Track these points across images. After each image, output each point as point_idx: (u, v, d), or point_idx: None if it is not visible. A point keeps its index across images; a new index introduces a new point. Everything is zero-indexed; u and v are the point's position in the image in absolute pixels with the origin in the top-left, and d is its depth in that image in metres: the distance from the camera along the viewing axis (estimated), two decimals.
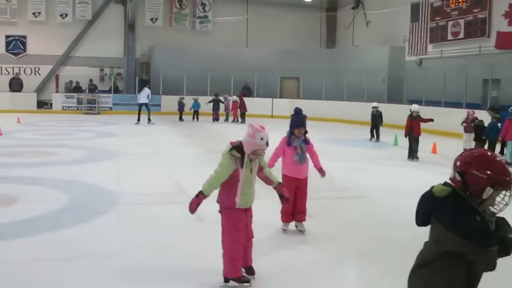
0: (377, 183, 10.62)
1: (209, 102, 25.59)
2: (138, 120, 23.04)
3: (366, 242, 6.62)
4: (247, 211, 5.00)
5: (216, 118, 25.60)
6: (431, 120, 14.17)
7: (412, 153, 13.67)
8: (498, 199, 2.76)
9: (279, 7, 32.50)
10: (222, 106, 25.92)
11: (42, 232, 6.61)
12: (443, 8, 24.35)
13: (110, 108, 28.85)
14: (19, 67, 30.04)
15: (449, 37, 24.05)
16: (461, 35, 23.33)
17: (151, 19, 31.62)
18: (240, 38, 32.13)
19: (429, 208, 2.83)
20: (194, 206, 4.72)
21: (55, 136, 17.65)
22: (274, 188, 5.16)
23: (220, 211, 4.92)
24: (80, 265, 5.53)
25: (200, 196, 4.70)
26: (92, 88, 29.75)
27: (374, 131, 18.28)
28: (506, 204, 2.74)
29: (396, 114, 21.75)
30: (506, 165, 2.80)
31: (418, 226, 2.92)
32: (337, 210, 8.46)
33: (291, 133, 6.69)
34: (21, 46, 30.11)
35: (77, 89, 29.67)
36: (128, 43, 31.10)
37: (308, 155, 6.78)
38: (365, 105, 25.69)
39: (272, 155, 6.74)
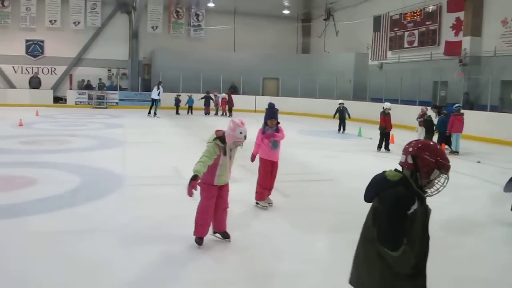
0: (343, 168, 10.71)
1: (201, 98, 25.59)
2: (149, 113, 23.08)
3: (333, 217, 6.70)
4: (223, 187, 5.28)
5: (207, 112, 25.56)
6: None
7: (381, 145, 13.42)
8: (441, 181, 2.82)
9: (262, 18, 32.41)
10: (212, 102, 25.89)
11: (58, 209, 6.60)
12: (400, 20, 24.46)
13: (117, 103, 28.60)
14: (38, 68, 29.63)
15: (406, 45, 24.17)
16: (416, 44, 23.48)
17: (152, 27, 31.41)
18: (228, 43, 32.05)
19: (379, 188, 2.84)
20: (193, 188, 4.69)
21: (69, 127, 17.50)
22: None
23: (199, 186, 5.05)
24: (91, 236, 5.54)
25: (196, 179, 4.74)
26: (101, 86, 29.49)
27: (342, 124, 18.27)
28: (444, 186, 2.81)
29: (360, 109, 22.00)
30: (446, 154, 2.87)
31: (366, 202, 2.94)
32: (309, 190, 8.54)
33: (265, 124, 6.89)
34: (39, 49, 29.68)
35: (88, 86, 29.37)
36: (132, 47, 30.85)
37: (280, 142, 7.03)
38: (334, 102, 25.75)
39: (255, 146, 6.96)
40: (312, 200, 7.75)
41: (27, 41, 29.43)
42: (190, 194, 4.67)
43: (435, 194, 2.85)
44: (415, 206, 2.71)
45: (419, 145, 2.85)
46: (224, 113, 25.52)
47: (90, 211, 6.59)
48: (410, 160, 2.82)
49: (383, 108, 13.97)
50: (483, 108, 17.91)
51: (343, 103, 18.55)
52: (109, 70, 31.18)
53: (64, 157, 10.69)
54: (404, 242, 2.67)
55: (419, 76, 21.12)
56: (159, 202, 7.16)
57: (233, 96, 26.04)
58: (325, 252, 5.52)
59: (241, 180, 8.26)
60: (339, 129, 18.27)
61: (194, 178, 4.72)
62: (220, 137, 5.05)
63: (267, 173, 6.91)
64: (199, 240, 5.26)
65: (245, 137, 5.02)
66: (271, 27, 32.70)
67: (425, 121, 13.78)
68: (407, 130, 17.36)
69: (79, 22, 29.88)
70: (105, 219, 6.23)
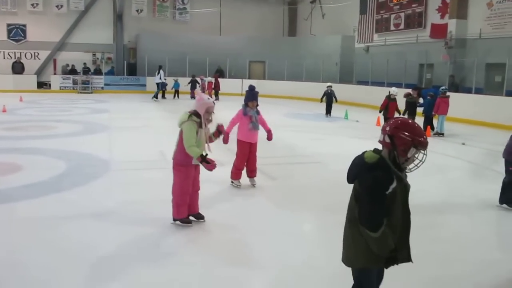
0: (330, 150, 10.76)
1: (188, 83, 25.32)
2: (155, 97, 23.74)
3: (321, 199, 6.76)
4: (197, 167, 5.30)
5: (193, 96, 25.29)
6: (399, 113, 13.44)
7: None
8: (419, 157, 2.90)
9: (248, 1, 32.12)
10: (198, 85, 25.67)
11: (45, 195, 6.57)
12: (387, 3, 24.44)
13: (102, 88, 28.25)
14: (20, 52, 29.10)
15: (392, 27, 24.19)
16: (402, 26, 23.51)
17: (137, 10, 30.96)
18: (214, 27, 31.71)
19: (358, 171, 2.93)
20: (212, 163, 4.95)
21: (54, 112, 17.30)
22: (214, 134, 5.38)
23: (173, 167, 5.18)
24: (78, 221, 5.53)
25: (204, 158, 4.94)
26: (86, 70, 29.11)
27: (329, 108, 18.07)
28: (423, 162, 2.89)
29: (346, 92, 22.03)
30: (423, 130, 2.95)
31: (349, 183, 3.03)
32: (296, 173, 8.58)
33: (246, 105, 7.02)
34: (22, 34, 29.12)
35: (73, 71, 28.98)
36: (117, 31, 30.48)
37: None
38: (321, 85, 25.79)
39: (230, 123, 7.04)
40: (298, 182, 7.80)
41: (8, 25, 28.85)
42: (213, 167, 4.95)
43: (414, 170, 2.93)
44: (393, 185, 2.81)
45: (396, 124, 2.92)
46: (210, 97, 25.30)
47: (76, 197, 6.56)
48: (387, 139, 2.90)
49: (389, 92, 13.73)
50: (468, 90, 18.06)
51: (331, 86, 18.26)
52: (94, 55, 30.78)
53: (49, 143, 10.59)
54: (384, 223, 2.80)
55: (405, 59, 21.22)
56: (146, 186, 7.15)
57: (220, 80, 25.92)
58: (313, 232, 5.57)
59: (227, 164, 8.27)
60: (327, 113, 18.11)
61: (204, 158, 4.92)
62: (194, 113, 5.11)
63: (244, 155, 7.06)
64: (186, 219, 5.33)
65: (213, 102, 5.17)
66: (257, 10, 32.48)
67: (407, 102, 13.84)
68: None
69: (62, 6, 29.31)
70: (92, 204, 6.20)
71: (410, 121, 2.98)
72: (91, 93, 27.43)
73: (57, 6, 29.21)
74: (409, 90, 14.88)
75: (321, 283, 4.10)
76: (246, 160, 7.11)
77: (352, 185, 3.02)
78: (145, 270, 4.28)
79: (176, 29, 31.61)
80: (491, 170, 8.69)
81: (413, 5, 22.58)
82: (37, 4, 28.89)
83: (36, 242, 4.87)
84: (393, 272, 4.36)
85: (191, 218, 5.48)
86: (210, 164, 4.93)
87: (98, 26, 30.03)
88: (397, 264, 2.99)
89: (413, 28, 22.63)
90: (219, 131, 5.38)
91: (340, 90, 20.33)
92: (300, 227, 5.75)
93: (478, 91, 17.65)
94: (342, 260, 3.07)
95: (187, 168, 5.18)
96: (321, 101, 18.50)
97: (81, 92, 27.37)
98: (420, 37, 22.01)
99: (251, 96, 7.06)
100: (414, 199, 6.88)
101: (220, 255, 4.67)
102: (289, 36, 34.23)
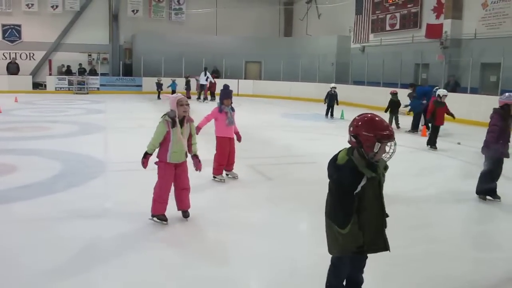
0: (325, 150, 10.67)
1: (186, 85, 25.02)
2: (198, 98, 24.68)
3: (315, 198, 6.73)
4: (179, 166, 5.40)
5: (188, 97, 25.12)
6: (453, 116, 11.89)
7: (431, 142, 11.13)
8: (387, 149, 3.04)
9: (244, 1, 32.03)
10: (193, 86, 25.51)
11: (39, 196, 6.53)
12: (382, 3, 24.48)
13: (98, 88, 28.18)
14: (15, 53, 28.98)
15: (387, 28, 24.24)
16: (397, 26, 23.55)
17: (133, 11, 30.90)
18: (210, 27, 31.73)
19: (330, 171, 3.17)
20: (145, 164, 5.34)
21: (49, 113, 17.23)
22: (192, 156, 5.54)
23: (156, 164, 5.42)
24: (73, 222, 5.51)
25: (147, 156, 5.32)
26: (82, 71, 29.01)
27: (330, 109, 17.46)
28: (394, 151, 3.05)
29: (342, 92, 21.94)
30: (385, 122, 3.11)
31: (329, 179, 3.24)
32: (292, 173, 8.58)
33: (221, 103, 7.41)
34: (17, 34, 29.01)
35: (68, 72, 28.89)
36: (112, 32, 30.41)
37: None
38: (317, 85, 25.93)
39: (203, 119, 7.41)
40: (294, 182, 7.79)
41: (3, 25, 28.74)
42: (145, 166, 5.34)
43: (388, 159, 3.11)
44: (362, 183, 3.01)
45: (357, 123, 3.10)
46: (206, 98, 25.30)
47: (72, 197, 6.53)
48: (353, 139, 3.09)
49: (438, 95, 11.28)
50: (463, 90, 18.11)
51: (335, 88, 17.45)
52: (90, 55, 30.70)
53: (44, 144, 10.55)
54: (352, 221, 3.05)
55: (401, 59, 21.25)
56: (142, 187, 7.08)
57: (216, 80, 25.88)
58: (308, 230, 5.57)
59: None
60: (327, 114, 17.53)
61: (145, 156, 5.32)
62: (168, 113, 5.29)
63: (225, 150, 7.39)
64: (162, 217, 5.41)
65: (186, 100, 5.32)
66: (253, 10, 32.45)
67: (390, 101, 14.32)
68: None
69: (57, 6, 29.23)
70: (87, 205, 6.17)
71: (369, 116, 3.12)
72: (87, 93, 27.35)
73: (52, 7, 29.12)
74: (395, 89, 15.09)
75: (316, 281, 4.09)
76: (227, 154, 7.41)
77: None
78: (142, 270, 4.27)
79: (172, 29, 31.57)
80: None
81: (409, 5, 22.63)
82: (32, 4, 28.79)
83: (31, 243, 4.84)
84: (389, 273, 4.37)
85: (154, 219, 5.47)
86: (144, 164, 5.31)
87: (94, 27, 29.96)
88: (376, 252, 3.23)
89: (408, 28, 22.68)
90: (195, 163, 5.56)
91: (336, 90, 20.32)
92: (297, 226, 5.75)
93: (473, 91, 17.70)
94: (328, 251, 3.34)
95: (165, 165, 5.32)
96: (325, 102, 17.77)
97: (76, 93, 27.28)
98: (416, 37, 22.05)
99: (226, 94, 7.49)
100: (409, 198, 6.91)
101: (214, 255, 4.66)
102: (285, 36, 34.24)
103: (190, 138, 5.47)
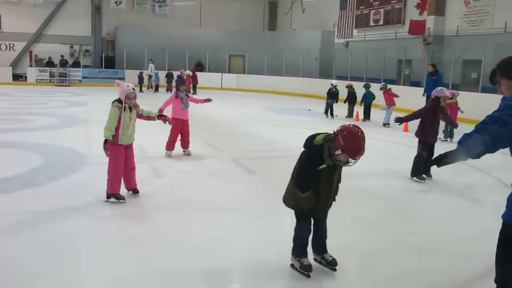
0: None
1: (176, 79, 24.78)
2: (141, 90, 24.57)
3: None
4: (128, 148, 5.98)
5: (169, 89, 24.84)
6: (461, 111, 12.07)
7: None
8: (349, 160, 3.67)
9: None
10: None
11: (20, 189, 6.44)
12: None
13: (80, 80, 27.87)
14: None
15: (371, 23, 24.39)
16: (381, 22, 23.72)
17: (116, 2, 30.58)
18: (194, 20, 31.54)
19: (305, 145, 3.96)
20: (107, 150, 5.72)
21: (29, 105, 16.99)
22: (158, 118, 6.32)
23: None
24: (54, 215, 5.46)
25: (108, 142, 5.67)
26: (64, 63, 28.62)
27: (329, 108, 16.12)
28: (348, 165, 3.71)
29: (326, 87, 22.03)
30: (363, 143, 3.61)
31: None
32: (275, 167, 8.59)
33: (177, 90, 8.74)
34: None
35: (49, 63, 28.47)
36: (95, 23, 30.07)
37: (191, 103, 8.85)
38: (300, 79, 26.02)
39: (163, 103, 8.54)
40: (277, 175, 7.73)
41: None
42: (107, 153, 5.74)
43: (342, 166, 3.80)
44: (323, 166, 3.73)
45: (344, 127, 3.66)
46: (188, 90, 25.13)
47: (52, 191, 6.47)
48: (333, 134, 3.71)
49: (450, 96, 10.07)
50: (445, 86, 18.26)
51: (336, 85, 16.00)
52: (72, 47, 30.33)
53: (25, 136, 10.40)
54: (311, 189, 3.82)
55: (384, 55, 21.42)
56: None
57: (199, 74, 25.78)
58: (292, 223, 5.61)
59: (209, 157, 8.27)
60: (326, 112, 16.22)
61: (105, 142, 5.67)
62: (118, 99, 5.82)
63: (177, 129, 8.56)
64: (118, 195, 5.84)
65: (133, 89, 5.83)
66: (238, 3, 32.36)
67: (348, 93, 15.58)
68: (372, 107, 17.19)
69: None
70: (69, 198, 6.12)
71: (355, 131, 3.62)
72: (69, 86, 27.03)
73: None
74: (350, 82, 15.61)
75: (297, 276, 4.13)
76: (178, 133, 8.60)
77: None
78: (125, 264, 4.26)
79: (156, 22, 31.35)
80: (467, 165, 8.84)
81: (393, 1, 22.80)
82: None
83: (12, 237, 4.79)
84: (370, 266, 4.43)
85: (115, 199, 5.87)
86: (106, 151, 5.70)
87: (76, 18, 29.64)
88: (316, 217, 4.02)
89: (392, 24, 22.86)
90: (164, 120, 6.47)
91: (319, 84, 20.45)
92: (279, 219, 5.78)
93: (455, 87, 17.91)
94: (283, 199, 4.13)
95: (115, 146, 5.76)
96: (327, 101, 16.24)
97: (58, 85, 26.93)
98: (399, 33, 22.24)
99: (180, 82, 9.14)
100: (385, 194, 6.96)
101: (198, 249, 4.67)
102: (269, 30, 34.24)
103: (141, 115, 6.12)
